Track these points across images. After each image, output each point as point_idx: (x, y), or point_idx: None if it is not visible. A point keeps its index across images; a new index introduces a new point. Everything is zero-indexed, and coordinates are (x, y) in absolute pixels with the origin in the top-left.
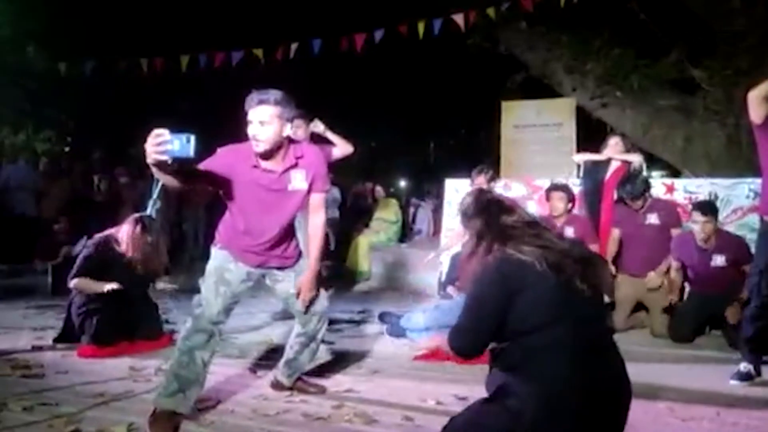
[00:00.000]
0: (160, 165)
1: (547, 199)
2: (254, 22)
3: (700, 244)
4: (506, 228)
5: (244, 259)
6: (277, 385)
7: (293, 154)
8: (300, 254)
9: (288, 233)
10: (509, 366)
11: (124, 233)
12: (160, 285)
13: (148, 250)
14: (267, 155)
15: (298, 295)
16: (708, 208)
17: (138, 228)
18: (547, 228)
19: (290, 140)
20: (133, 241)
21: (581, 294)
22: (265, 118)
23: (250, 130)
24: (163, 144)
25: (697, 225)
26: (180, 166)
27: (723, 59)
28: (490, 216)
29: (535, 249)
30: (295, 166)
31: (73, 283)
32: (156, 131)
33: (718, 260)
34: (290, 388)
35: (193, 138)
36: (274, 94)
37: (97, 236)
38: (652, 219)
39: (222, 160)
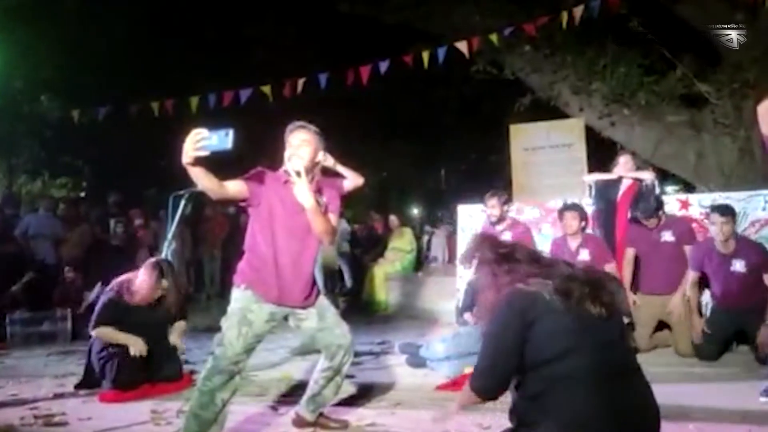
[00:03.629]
0: (196, 163)
1: (561, 218)
2: (261, 61)
3: (720, 249)
4: (510, 266)
5: (267, 296)
6: (299, 421)
7: (317, 184)
8: (318, 293)
9: (310, 265)
10: (532, 396)
11: (141, 280)
12: (174, 338)
13: (165, 294)
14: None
15: None
16: (726, 209)
17: (155, 273)
18: (549, 258)
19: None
20: (151, 287)
21: (596, 317)
22: (305, 137)
23: (290, 151)
24: (202, 140)
25: (716, 226)
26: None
27: (729, 72)
28: (493, 259)
29: (541, 279)
30: (318, 191)
31: (94, 332)
32: (195, 130)
33: (738, 265)
34: (313, 424)
35: (231, 132)
36: (311, 125)
37: (114, 282)
38: (667, 236)
39: (256, 173)
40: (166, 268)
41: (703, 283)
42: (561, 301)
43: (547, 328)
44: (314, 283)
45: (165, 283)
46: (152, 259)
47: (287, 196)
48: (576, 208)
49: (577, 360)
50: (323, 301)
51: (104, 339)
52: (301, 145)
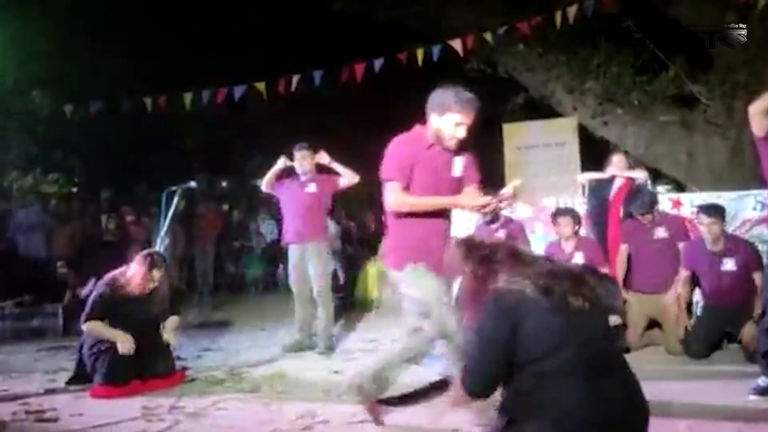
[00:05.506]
0: None
1: (554, 223)
2: (254, 57)
3: (710, 248)
4: (492, 267)
5: (435, 266)
6: None
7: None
8: None
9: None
10: (521, 392)
11: (134, 271)
12: (167, 334)
13: (157, 286)
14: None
15: None
16: (713, 209)
17: (147, 264)
18: (530, 255)
19: None
20: (143, 277)
21: (580, 312)
22: (470, 122)
23: (458, 132)
24: None
25: (704, 226)
26: None
27: (721, 73)
28: (477, 259)
29: (523, 278)
30: (457, 154)
31: (85, 326)
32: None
33: (729, 264)
34: None
35: None
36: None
37: (107, 276)
38: (661, 233)
39: (401, 150)
40: (158, 259)
41: (693, 281)
42: (544, 298)
43: (534, 326)
44: None
45: (157, 274)
46: (144, 251)
47: (435, 156)
48: (569, 213)
49: (564, 356)
50: None
51: (94, 334)
52: (466, 129)
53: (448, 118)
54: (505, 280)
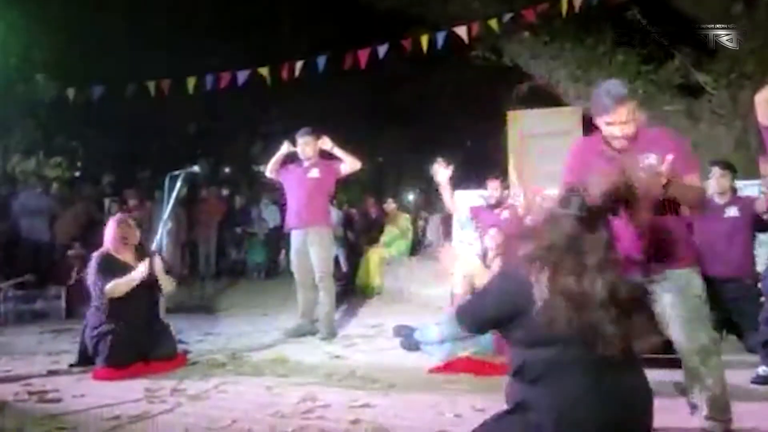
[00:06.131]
0: None
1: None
2: (259, 42)
3: (716, 200)
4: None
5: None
6: None
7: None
8: None
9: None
10: (530, 380)
11: (108, 235)
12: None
13: (152, 269)
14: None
15: None
16: (727, 165)
17: (115, 222)
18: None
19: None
20: (118, 236)
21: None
22: (625, 117)
23: (613, 132)
24: None
25: (713, 179)
26: None
27: (727, 63)
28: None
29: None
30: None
31: (107, 289)
32: None
33: (731, 211)
34: None
35: None
36: (621, 85)
37: (95, 253)
38: None
39: (575, 159)
40: (123, 217)
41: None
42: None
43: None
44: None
45: (126, 227)
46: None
47: (612, 159)
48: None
49: (577, 346)
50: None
51: (117, 291)
52: (625, 126)
53: (600, 122)
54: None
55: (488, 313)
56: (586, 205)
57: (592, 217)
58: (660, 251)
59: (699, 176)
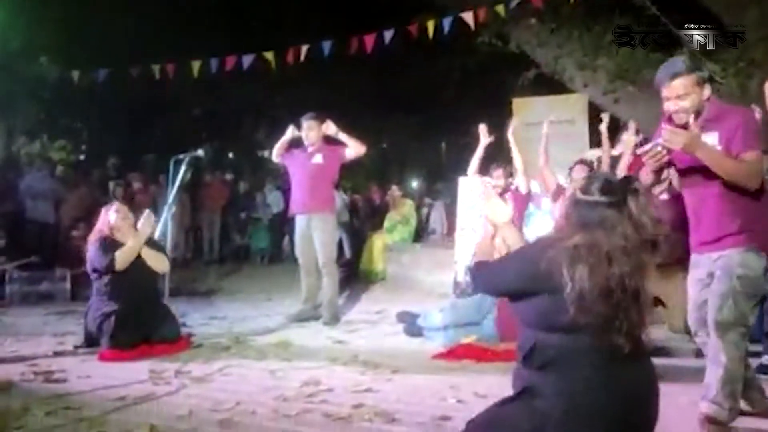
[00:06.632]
0: None
1: (570, 172)
2: (264, 26)
3: None
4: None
5: None
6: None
7: (711, 113)
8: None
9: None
10: (539, 365)
11: (101, 222)
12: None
13: (129, 219)
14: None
15: None
16: None
17: (108, 210)
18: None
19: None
20: (109, 224)
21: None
22: (680, 92)
23: (669, 107)
24: None
25: None
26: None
27: (735, 51)
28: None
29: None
30: (706, 127)
31: (117, 263)
32: None
33: None
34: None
35: None
36: (681, 61)
37: (93, 237)
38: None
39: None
40: (113, 206)
41: None
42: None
43: (562, 299)
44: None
45: (114, 215)
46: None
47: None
48: (586, 162)
49: (589, 335)
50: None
51: (128, 257)
52: (679, 100)
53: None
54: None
55: (508, 281)
56: (608, 186)
57: (617, 196)
58: (709, 230)
59: (758, 153)
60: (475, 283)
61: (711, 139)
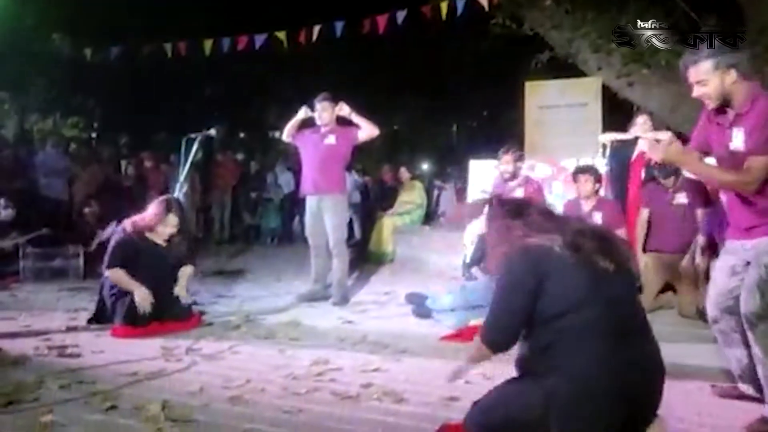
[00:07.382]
0: None
1: (575, 180)
2: (277, 5)
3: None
4: (523, 220)
5: None
6: None
7: (744, 105)
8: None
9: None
10: (540, 347)
11: (151, 215)
12: (179, 287)
13: (175, 233)
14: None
15: None
16: None
17: (164, 207)
18: (559, 214)
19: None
20: (160, 219)
21: (607, 272)
22: (699, 77)
23: (695, 93)
24: None
25: None
26: None
27: (753, 36)
28: (506, 212)
29: (551, 234)
30: (732, 124)
31: (107, 273)
32: None
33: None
34: None
35: None
36: (700, 52)
37: (126, 222)
38: (682, 198)
39: (699, 128)
40: (174, 203)
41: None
42: (572, 255)
43: (559, 282)
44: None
45: (173, 218)
46: (162, 196)
47: (715, 131)
48: (589, 171)
49: (587, 313)
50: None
51: (116, 282)
52: (700, 86)
53: None
54: (534, 235)
55: (516, 303)
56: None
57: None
58: (742, 218)
59: (765, 160)
60: (494, 345)
61: (738, 136)
